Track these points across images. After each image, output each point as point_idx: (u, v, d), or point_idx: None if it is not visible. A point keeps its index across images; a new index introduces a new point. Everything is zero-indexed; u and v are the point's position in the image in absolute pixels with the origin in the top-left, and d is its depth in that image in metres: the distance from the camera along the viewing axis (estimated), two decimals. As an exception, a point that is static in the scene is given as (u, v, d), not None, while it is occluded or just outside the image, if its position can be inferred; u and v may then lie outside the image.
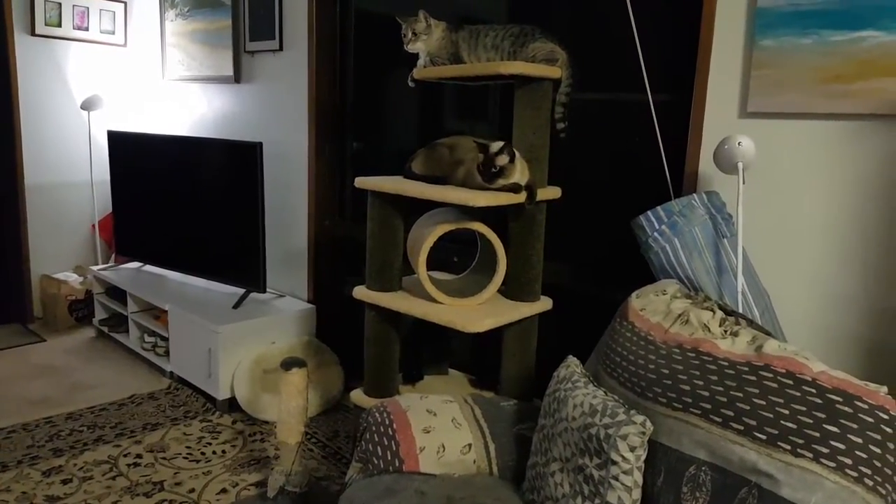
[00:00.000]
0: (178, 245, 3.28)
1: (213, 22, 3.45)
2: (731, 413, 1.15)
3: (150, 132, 3.68)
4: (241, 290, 2.99)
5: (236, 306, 2.92)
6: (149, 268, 3.52)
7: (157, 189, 3.31)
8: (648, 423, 1.19)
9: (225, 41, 3.39)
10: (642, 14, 1.97)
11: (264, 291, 2.94)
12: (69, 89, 3.82)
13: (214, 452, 2.42)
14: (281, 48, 3.11)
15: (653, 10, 1.99)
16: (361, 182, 1.99)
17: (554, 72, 1.87)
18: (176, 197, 3.23)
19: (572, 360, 1.50)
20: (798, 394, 1.10)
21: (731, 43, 1.81)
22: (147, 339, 3.17)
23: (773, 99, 1.74)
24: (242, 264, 2.96)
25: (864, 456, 1.02)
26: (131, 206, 3.46)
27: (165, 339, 3.04)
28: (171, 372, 3.02)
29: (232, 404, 2.72)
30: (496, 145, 1.75)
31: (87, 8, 3.81)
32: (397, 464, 1.50)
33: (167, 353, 3.04)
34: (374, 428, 1.57)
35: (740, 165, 1.59)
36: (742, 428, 1.13)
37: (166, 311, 2.96)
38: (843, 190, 1.68)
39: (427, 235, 1.90)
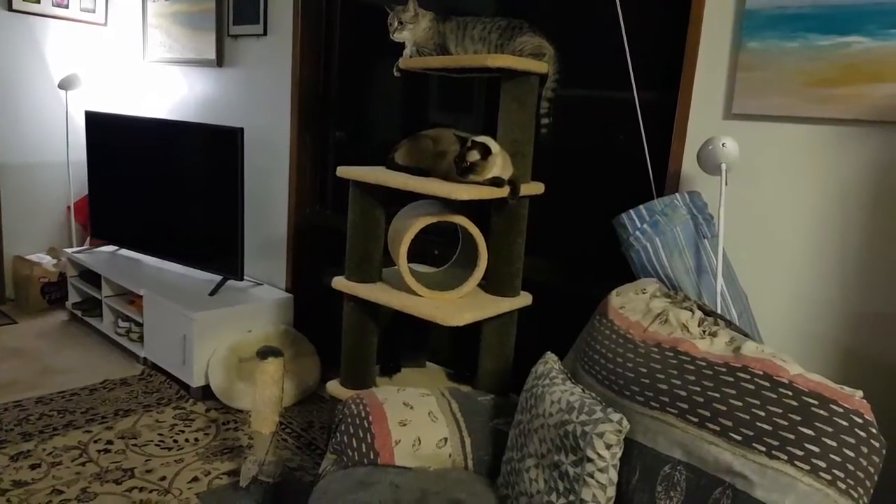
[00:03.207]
0: (154, 230, 3.22)
1: (197, 4, 3.38)
2: (707, 413, 1.15)
3: (128, 114, 3.60)
4: (219, 277, 2.95)
5: (213, 293, 2.88)
6: (124, 252, 3.46)
7: (135, 172, 3.25)
8: (625, 422, 1.19)
9: (208, 24, 3.32)
10: (630, 12, 1.96)
11: (242, 279, 2.90)
12: (47, 68, 3.72)
13: (187, 440, 2.38)
14: (265, 33, 3.06)
15: (641, 8, 1.98)
16: (343, 171, 1.96)
17: (541, 66, 1.86)
18: (154, 181, 3.17)
19: (550, 357, 1.49)
20: (774, 396, 1.10)
21: (717, 44, 1.81)
22: (121, 324, 3.11)
23: (758, 101, 1.75)
24: (220, 251, 2.92)
25: (838, 459, 1.02)
26: (108, 189, 3.39)
27: (140, 325, 2.99)
28: (145, 358, 2.97)
29: (206, 392, 2.68)
30: (471, 140, 1.73)
31: (67, -16, 3.71)
32: (372, 456, 1.49)
33: (141, 339, 2.99)
34: (349, 420, 1.55)
35: (723, 167, 1.59)
36: (718, 428, 1.13)
37: (141, 297, 2.91)
38: (825, 194, 1.69)
39: (408, 227, 1.88)
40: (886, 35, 1.56)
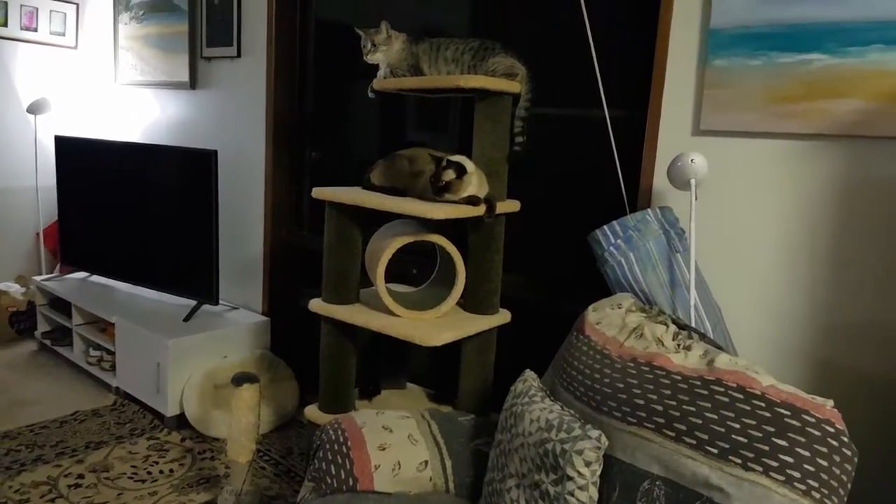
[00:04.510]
0: (127, 255, 3.16)
1: (169, 26, 3.37)
2: (683, 427, 1.16)
3: (99, 138, 3.56)
4: (193, 302, 2.90)
5: (187, 319, 2.83)
6: (95, 278, 3.39)
7: (107, 197, 3.20)
8: (604, 438, 1.19)
9: (181, 46, 3.31)
10: (599, 32, 2.00)
11: (217, 303, 2.86)
12: (15, 92, 3.67)
13: (161, 472, 2.32)
14: (239, 55, 3.06)
15: (609, 29, 2.03)
16: (319, 193, 1.95)
17: (513, 86, 1.88)
18: (126, 205, 3.13)
19: (529, 375, 1.49)
20: (748, 408, 1.11)
21: (684, 62, 1.85)
22: (92, 352, 3.04)
23: (725, 117, 1.79)
24: (194, 275, 2.88)
25: (812, 469, 1.04)
26: (78, 215, 3.33)
27: (112, 353, 2.92)
28: (117, 387, 2.91)
29: (181, 421, 2.63)
30: (446, 160, 1.74)
31: (37, 8, 3.68)
32: (351, 483, 1.47)
33: (113, 368, 2.92)
34: (327, 446, 1.53)
35: (693, 182, 1.62)
36: (694, 442, 1.13)
37: (113, 324, 2.85)
38: (792, 207, 1.73)
39: (386, 247, 1.88)
40: (844, 52, 1.61)
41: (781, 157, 1.73)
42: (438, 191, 1.75)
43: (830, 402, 1.10)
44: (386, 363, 2.24)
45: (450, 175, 1.73)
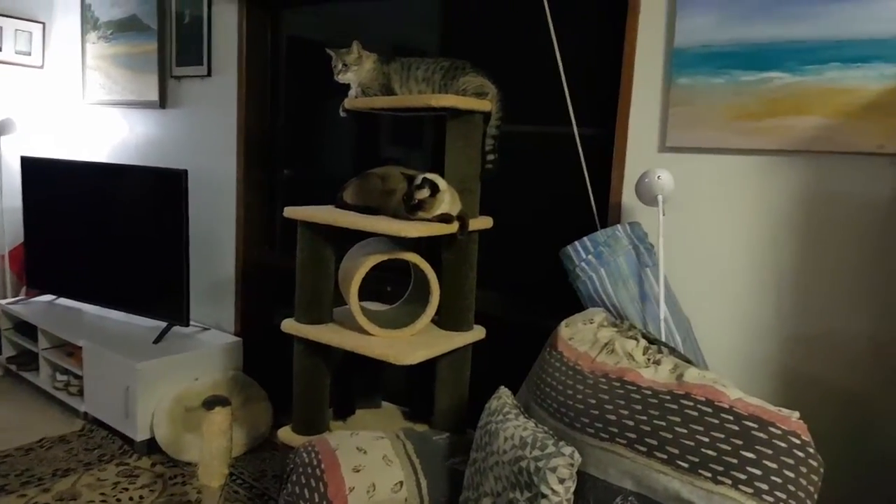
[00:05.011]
0: (95, 277, 3.10)
1: (138, 46, 3.34)
2: (654, 442, 1.17)
3: (67, 158, 3.49)
4: (163, 324, 2.85)
5: (157, 341, 2.78)
6: (62, 301, 3.31)
7: (74, 218, 3.14)
8: (577, 455, 1.19)
9: (150, 66, 3.28)
10: (567, 51, 2.04)
11: (188, 325, 2.81)
12: (-22, 112, 3.59)
13: (131, 498, 2.27)
14: (209, 74, 3.04)
15: (577, 48, 2.06)
16: (291, 212, 1.94)
17: (484, 105, 1.90)
18: (94, 226, 3.07)
19: (504, 392, 1.49)
20: (716, 421, 1.13)
21: (650, 80, 1.89)
22: (59, 377, 2.97)
23: (690, 134, 1.83)
24: (165, 296, 2.83)
25: (779, 481, 1.05)
26: (45, 236, 3.26)
27: (79, 378, 2.85)
28: (85, 412, 2.83)
29: (151, 446, 2.57)
30: (419, 178, 1.75)
31: (1, 28, 3.62)
32: (325, 505, 1.44)
33: (81, 393, 2.85)
34: (301, 469, 1.51)
35: (660, 198, 1.65)
36: (665, 457, 1.14)
37: (80, 348, 2.79)
38: (757, 221, 1.77)
39: (359, 266, 1.87)
40: (803, 71, 1.66)
41: (746, 172, 1.77)
42: (411, 209, 1.75)
43: (796, 414, 1.12)
44: (360, 382, 2.22)
45: (423, 193, 1.74)
